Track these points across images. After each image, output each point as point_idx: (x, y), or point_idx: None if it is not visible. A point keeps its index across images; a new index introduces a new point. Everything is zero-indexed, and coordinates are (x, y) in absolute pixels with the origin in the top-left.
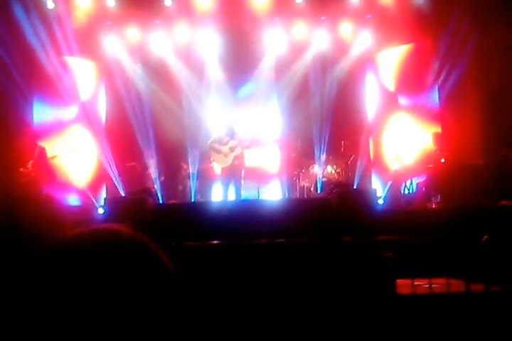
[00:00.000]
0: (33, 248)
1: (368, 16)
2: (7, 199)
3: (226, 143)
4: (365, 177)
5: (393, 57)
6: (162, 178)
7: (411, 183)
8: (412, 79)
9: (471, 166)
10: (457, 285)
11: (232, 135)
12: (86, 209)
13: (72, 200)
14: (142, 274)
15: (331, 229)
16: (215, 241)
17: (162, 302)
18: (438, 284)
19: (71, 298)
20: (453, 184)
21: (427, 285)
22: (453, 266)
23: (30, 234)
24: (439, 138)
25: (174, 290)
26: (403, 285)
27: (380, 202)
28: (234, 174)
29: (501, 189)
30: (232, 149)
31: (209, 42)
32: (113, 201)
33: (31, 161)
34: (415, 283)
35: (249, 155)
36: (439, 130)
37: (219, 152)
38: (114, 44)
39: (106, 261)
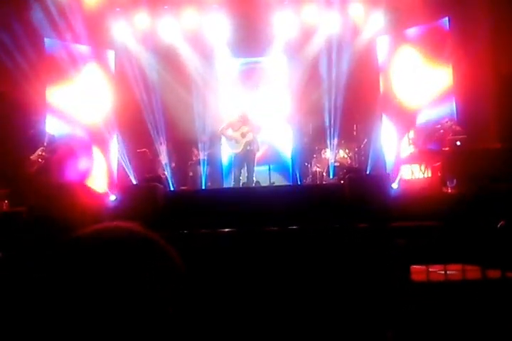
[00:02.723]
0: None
1: None
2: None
3: (238, 129)
4: (379, 161)
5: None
6: (173, 164)
7: (426, 167)
8: (426, 63)
9: (487, 149)
10: (473, 272)
11: (243, 120)
12: (98, 196)
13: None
14: (152, 274)
15: (344, 216)
16: (227, 229)
17: (171, 301)
18: (453, 271)
19: (79, 298)
20: (469, 168)
21: (442, 272)
22: (469, 252)
23: (50, 226)
24: (455, 121)
25: (184, 287)
26: (418, 272)
27: (394, 186)
28: (246, 160)
29: None
30: (243, 135)
31: (218, 27)
32: (124, 188)
33: (41, 148)
34: (430, 269)
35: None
36: (455, 112)
37: (230, 138)
38: (124, 30)
39: (116, 261)
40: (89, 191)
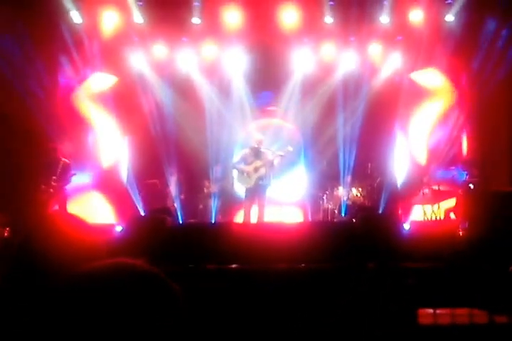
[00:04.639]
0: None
1: (399, 38)
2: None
3: (250, 163)
4: (392, 200)
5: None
6: (182, 196)
7: (439, 208)
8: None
9: (500, 193)
10: (480, 317)
11: (257, 155)
12: (104, 227)
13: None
14: (156, 311)
15: (355, 255)
16: (234, 265)
17: (175, 338)
18: (461, 314)
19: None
20: (481, 211)
21: (449, 316)
22: (477, 297)
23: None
24: (469, 164)
25: (186, 324)
26: (425, 315)
27: (406, 227)
28: (257, 195)
29: None
30: (256, 169)
31: (236, 61)
32: (131, 219)
33: (54, 177)
34: (437, 312)
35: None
36: (469, 156)
37: (242, 172)
38: (141, 60)
39: (120, 298)
40: (85, 225)
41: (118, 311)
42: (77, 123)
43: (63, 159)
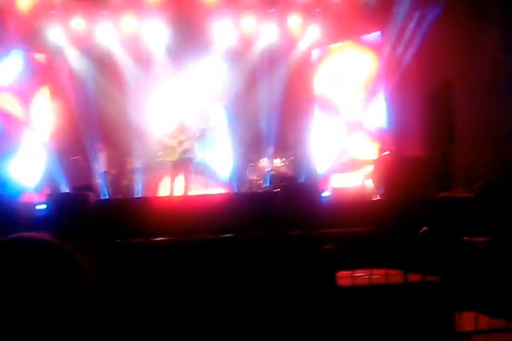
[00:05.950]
0: None
1: (317, 10)
2: None
3: (175, 138)
4: (312, 170)
5: (340, 52)
6: (108, 172)
7: (357, 175)
8: (357, 74)
9: (412, 159)
10: (396, 276)
11: (181, 129)
12: (28, 204)
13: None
14: (60, 283)
15: (277, 223)
16: (160, 238)
17: (84, 310)
18: (377, 275)
19: None
20: (395, 176)
21: (367, 276)
22: (393, 258)
23: None
24: (383, 132)
25: (95, 296)
26: (344, 277)
27: (326, 194)
28: (182, 168)
29: (441, 181)
30: (180, 143)
31: (156, 33)
32: (55, 197)
33: None
34: (355, 274)
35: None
36: (384, 124)
37: (167, 146)
38: (59, 34)
39: (27, 270)
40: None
41: (27, 279)
42: None
43: None
